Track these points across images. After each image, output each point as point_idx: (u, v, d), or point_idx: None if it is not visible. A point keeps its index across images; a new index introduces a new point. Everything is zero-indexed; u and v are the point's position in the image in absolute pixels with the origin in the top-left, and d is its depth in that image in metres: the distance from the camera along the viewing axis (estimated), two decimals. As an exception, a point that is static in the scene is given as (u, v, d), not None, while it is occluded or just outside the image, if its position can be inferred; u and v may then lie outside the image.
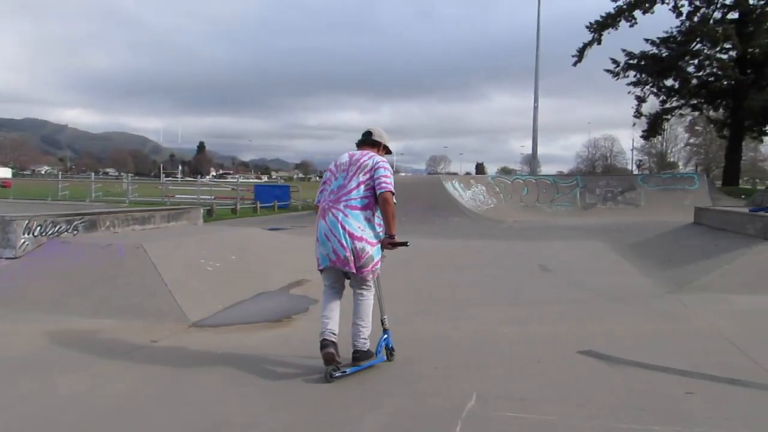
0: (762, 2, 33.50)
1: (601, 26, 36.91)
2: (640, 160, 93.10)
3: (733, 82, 34.38)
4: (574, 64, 38.18)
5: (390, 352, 4.54)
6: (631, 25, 36.41)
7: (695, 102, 38.56)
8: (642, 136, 43.28)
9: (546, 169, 30.55)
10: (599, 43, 37.40)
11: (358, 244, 4.18)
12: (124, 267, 6.75)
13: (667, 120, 40.12)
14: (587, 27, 37.30)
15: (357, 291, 4.43)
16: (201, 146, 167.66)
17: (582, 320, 5.86)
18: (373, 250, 4.30)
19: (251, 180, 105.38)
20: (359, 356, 4.26)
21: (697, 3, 35.84)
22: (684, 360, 4.35)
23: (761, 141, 43.54)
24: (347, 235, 4.14)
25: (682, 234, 10.94)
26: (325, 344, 4.10)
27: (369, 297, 4.44)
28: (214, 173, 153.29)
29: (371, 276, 4.39)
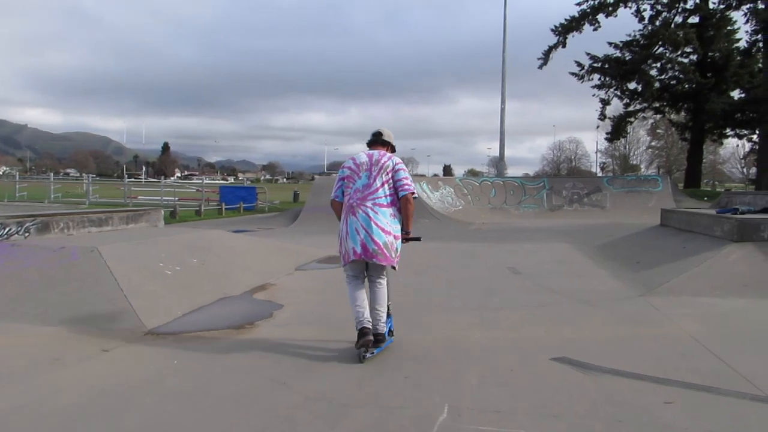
0: (722, 6, 34.29)
1: (565, 29, 37.34)
2: (604, 162, 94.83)
3: (694, 86, 35.15)
4: (540, 67, 38.57)
5: (391, 333, 5.04)
6: (595, 29, 36.92)
7: (657, 105, 39.35)
8: (606, 139, 43.98)
9: (512, 171, 30.79)
10: (564, 46, 37.85)
11: (388, 238, 4.58)
12: (77, 271, 6.39)
13: (631, 122, 40.85)
14: (552, 30, 37.70)
15: (376, 280, 4.78)
16: (165, 147, 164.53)
17: (554, 324, 5.73)
18: (398, 243, 4.72)
19: (217, 181, 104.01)
20: (380, 338, 4.69)
21: (659, 7, 36.56)
22: (659, 366, 4.24)
23: (721, 143, 44.63)
24: (379, 230, 4.54)
25: (650, 236, 10.96)
26: (365, 332, 4.52)
27: (385, 285, 4.83)
28: (179, 174, 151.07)
29: (396, 266, 4.78)
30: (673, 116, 41.52)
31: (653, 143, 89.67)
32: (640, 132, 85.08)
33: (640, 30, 37.21)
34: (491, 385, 3.94)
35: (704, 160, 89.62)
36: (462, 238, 14.79)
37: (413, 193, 4.77)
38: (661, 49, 36.41)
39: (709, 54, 36.19)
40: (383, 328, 4.71)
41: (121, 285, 6.12)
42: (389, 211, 4.66)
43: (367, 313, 4.62)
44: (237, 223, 20.13)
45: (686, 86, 36.45)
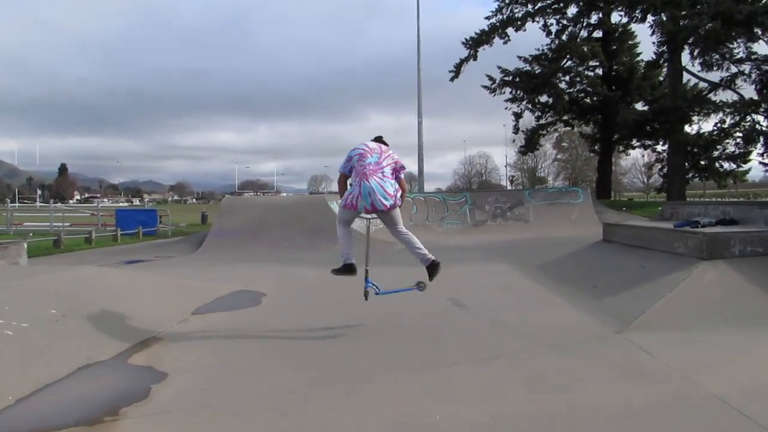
0: (624, 20, 35.26)
1: (476, 42, 37.20)
2: (513, 176, 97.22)
3: (601, 98, 35.87)
4: (452, 80, 38.26)
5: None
6: (505, 42, 36.95)
7: (567, 118, 39.98)
8: (520, 151, 44.32)
9: (426, 187, 29.76)
10: (475, 59, 37.69)
11: (386, 200, 6.05)
12: None
13: (543, 135, 41.24)
14: (463, 43, 37.50)
15: (399, 233, 6.59)
16: (63, 168, 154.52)
17: (533, 387, 4.35)
18: (397, 201, 6.28)
19: (120, 204, 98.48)
20: (436, 264, 6.57)
21: (565, 22, 37.14)
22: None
23: (627, 154, 45.98)
24: (386, 193, 6.03)
25: (595, 253, 9.98)
26: (352, 267, 6.62)
27: (408, 232, 6.66)
28: (78, 197, 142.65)
29: (398, 213, 6.48)
30: (582, 128, 42.27)
31: (559, 156, 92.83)
32: (546, 145, 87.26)
33: (547, 44, 37.72)
34: None
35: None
36: (387, 261, 13.34)
37: (403, 179, 6.53)
38: (569, 62, 36.98)
39: (614, 67, 37.24)
40: (429, 260, 6.58)
41: None
42: (391, 180, 6.19)
43: (353, 252, 6.61)
44: (132, 252, 17.79)
45: (594, 99, 37.20)
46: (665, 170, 38.24)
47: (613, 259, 8.97)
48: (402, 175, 6.44)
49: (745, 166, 34.36)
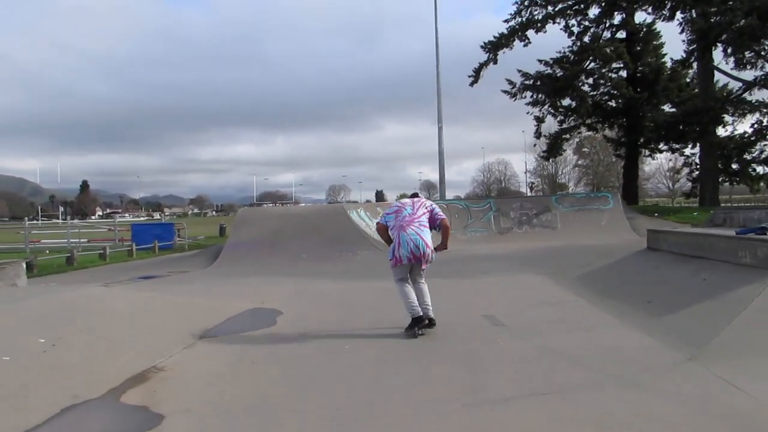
0: (649, 21, 34.22)
1: (495, 46, 36.39)
2: (533, 182, 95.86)
3: (626, 101, 34.73)
4: (471, 85, 37.50)
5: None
6: (525, 45, 36.14)
7: (590, 121, 38.87)
8: (542, 157, 43.30)
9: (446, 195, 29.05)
10: (495, 62, 36.88)
11: (429, 248, 6.63)
12: None
13: (567, 140, 40.15)
14: (482, 47, 36.72)
15: (419, 282, 6.85)
16: (84, 185, 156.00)
17: (602, 434, 3.53)
18: (433, 255, 6.78)
19: (139, 219, 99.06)
20: (433, 322, 6.61)
21: (586, 23, 36.15)
22: None
23: (654, 158, 44.57)
24: (423, 242, 6.56)
25: (641, 263, 9.10)
26: (421, 319, 6.50)
27: (425, 284, 6.91)
28: (100, 213, 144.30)
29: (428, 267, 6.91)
30: (605, 132, 41.05)
31: (580, 162, 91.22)
32: (567, 151, 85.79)
33: (569, 46, 36.73)
34: None
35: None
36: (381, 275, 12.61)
37: (445, 219, 6.99)
38: (592, 64, 35.95)
39: (639, 69, 36.10)
40: (432, 315, 6.60)
41: None
42: (428, 230, 6.69)
43: (419, 304, 6.53)
44: (146, 267, 17.24)
45: (619, 101, 36.09)
46: (695, 174, 37.08)
47: (663, 271, 8.09)
48: (441, 217, 6.92)
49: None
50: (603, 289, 8.49)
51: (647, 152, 38.96)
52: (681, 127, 28.04)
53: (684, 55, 26.47)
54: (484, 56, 36.47)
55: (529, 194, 77.82)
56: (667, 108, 34.96)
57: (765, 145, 26.89)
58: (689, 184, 37.99)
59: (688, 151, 37.04)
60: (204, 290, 10.80)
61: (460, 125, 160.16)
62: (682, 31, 26.73)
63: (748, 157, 28.64)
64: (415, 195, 7.40)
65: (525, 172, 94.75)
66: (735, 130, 27.04)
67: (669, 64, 35.55)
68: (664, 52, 36.83)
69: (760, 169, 31.64)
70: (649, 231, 10.15)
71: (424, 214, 6.77)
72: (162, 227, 26.81)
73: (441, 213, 6.98)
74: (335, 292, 9.91)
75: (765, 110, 24.41)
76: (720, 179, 37.39)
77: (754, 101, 25.17)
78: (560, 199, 22.12)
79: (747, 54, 25.56)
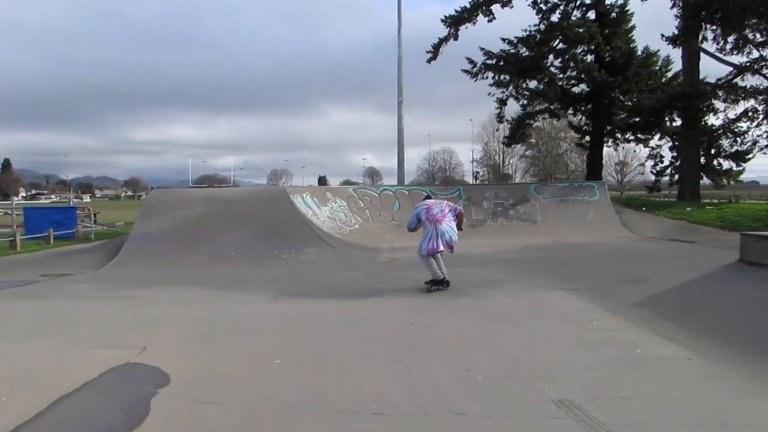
0: (621, 2, 31.68)
1: (456, 21, 33.08)
2: (477, 172, 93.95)
3: (595, 86, 32.10)
4: (429, 61, 34.12)
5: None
6: (490, 20, 33.04)
7: (553, 107, 36.15)
8: (504, 143, 40.49)
9: (387, 182, 25.77)
10: (456, 38, 33.60)
11: (455, 237, 8.46)
12: None
13: (531, 125, 37.35)
14: (442, 21, 33.34)
15: (440, 257, 8.56)
16: (6, 164, 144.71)
17: None
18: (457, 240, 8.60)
19: (61, 201, 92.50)
20: (448, 283, 8.39)
21: (556, 0, 33.33)
22: None
23: (616, 148, 42.28)
24: (453, 233, 8.39)
25: (751, 286, 5.83)
26: (446, 281, 8.39)
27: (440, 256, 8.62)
28: (24, 193, 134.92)
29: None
30: (570, 118, 38.41)
31: (527, 153, 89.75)
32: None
33: (535, 25, 33.81)
34: None
35: (573, 171, 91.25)
36: (377, 287, 9.13)
37: (461, 210, 8.94)
38: (560, 45, 33.14)
39: (609, 52, 33.55)
40: (447, 277, 8.46)
41: None
42: (454, 224, 8.52)
43: (439, 271, 8.39)
44: (25, 265, 13.00)
45: (590, 86, 33.48)
46: (659, 167, 35.03)
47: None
48: (459, 209, 8.85)
49: (743, 165, 31.46)
50: (714, 333, 5.16)
51: (611, 142, 36.53)
52: (668, 111, 25.42)
53: (676, 33, 23.75)
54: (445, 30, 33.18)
55: (475, 182, 75.52)
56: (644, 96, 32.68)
57: (759, 135, 24.54)
58: (653, 176, 36.02)
59: (654, 142, 35.10)
60: (58, 318, 6.94)
61: (407, 113, 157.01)
62: (673, 6, 24.02)
63: (728, 147, 26.36)
64: (429, 196, 9.85)
65: (472, 161, 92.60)
66: (727, 117, 24.63)
67: (640, 49, 33.33)
68: (634, 37, 34.51)
69: (726, 164, 29.77)
70: (743, 236, 6.94)
71: (450, 212, 8.56)
72: (62, 212, 22.12)
73: (457, 206, 8.90)
74: (272, 327, 6.26)
75: (761, 96, 21.96)
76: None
77: (748, 87, 22.73)
78: (540, 188, 19.05)
79: (748, 33, 23.09)
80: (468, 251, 13.69)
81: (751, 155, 33.00)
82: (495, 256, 12.75)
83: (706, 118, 25.56)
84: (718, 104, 24.39)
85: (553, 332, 5.61)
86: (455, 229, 8.42)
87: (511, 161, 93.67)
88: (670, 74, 33.25)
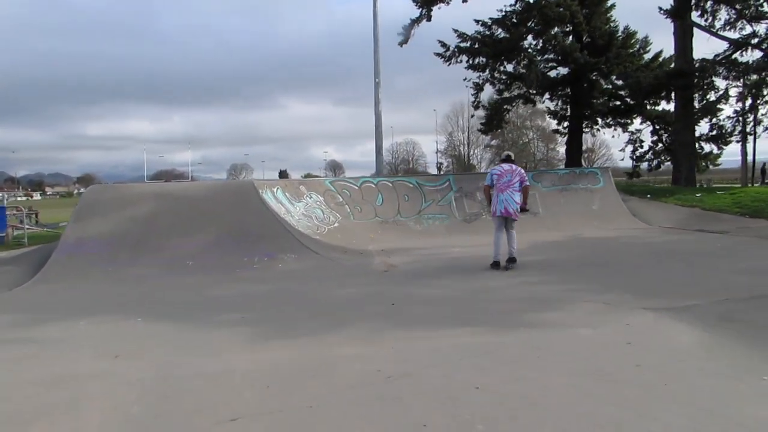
0: (600, -20, 30.04)
1: (428, 0, 31.00)
2: (441, 163, 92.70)
3: (579, 68, 30.35)
4: (401, 44, 31.86)
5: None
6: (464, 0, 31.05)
7: (529, 93, 34.27)
8: (480, 131, 38.47)
9: (351, 175, 23.40)
10: (429, 19, 31.44)
11: (513, 207, 9.22)
12: None
13: (509, 111, 35.44)
14: (413, 1, 31.24)
15: (510, 230, 9.40)
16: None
17: None
18: (519, 212, 9.40)
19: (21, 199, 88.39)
20: (515, 260, 9.16)
21: (533, -23, 31.39)
22: None
23: (594, 134, 40.72)
24: (514, 202, 9.22)
25: None
26: (498, 263, 9.14)
27: (514, 231, 9.47)
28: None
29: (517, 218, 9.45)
30: (547, 104, 36.56)
31: (492, 142, 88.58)
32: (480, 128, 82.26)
33: (512, 4, 31.86)
34: None
35: (540, 160, 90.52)
36: (383, 306, 6.92)
37: (528, 184, 9.68)
38: (539, 25, 31.23)
39: (589, 33, 31.84)
40: (516, 254, 9.23)
41: None
42: (518, 194, 9.32)
43: (501, 251, 9.21)
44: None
45: (568, 69, 31.76)
46: (639, 152, 33.74)
47: None
48: (526, 183, 9.60)
49: (724, 148, 30.44)
50: None
51: (590, 127, 34.98)
52: (665, 90, 23.74)
53: (673, 5, 22.09)
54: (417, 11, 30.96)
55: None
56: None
57: (764, 114, 23.10)
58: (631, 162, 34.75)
59: (634, 126, 33.79)
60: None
61: (364, 106, 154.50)
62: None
63: (730, 128, 24.92)
64: (509, 159, 10.03)
65: (436, 152, 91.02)
66: (729, 96, 23.11)
67: (620, 30, 31.78)
68: (614, 17, 32.90)
69: (707, 147, 28.54)
70: None
71: (518, 182, 9.37)
72: (-12, 212, 19.18)
73: (527, 179, 9.66)
74: (255, 402, 3.94)
75: (765, 73, 20.40)
76: (662, 158, 34.28)
77: (750, 62, 21.15)
78: (538, 176, 17.01)
79: (729, 11, 21.62)
80: (471, 252, 11.62)
81: (731, 138, 31.95)
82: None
83: (708, 97, 23.99)
84: (719, 82, 22.87)
85: (728, 406, 3.45)
86: (517, 201, 9.30)
87: (476, 151, 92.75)
88: (648, 56, 31.97)
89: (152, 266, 9.73)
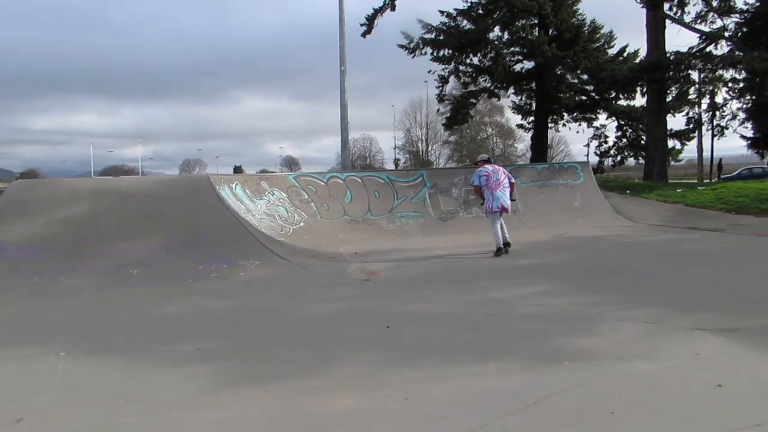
0: (568, -28, 29.41)
1: (394, -11, 29.77)
2: (398, 159, 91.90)
3: (545, 61, 29.63)
4: (363, 35, 30.58)
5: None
6: (431, -11, 29.92)
7: (493, 87, 33.42)
8: (444, 125, 37.50)
9: (307, 171, 21.92)
10: (393, 8, 30.23)
11: (509, 201, 10.58)
12: None
13: (474, 105, 34.54)
14: (377, -11, 29.99)
15: (502, 221, 10.53)
16: None
17: None
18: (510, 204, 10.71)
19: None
20: (509, 244, 10.40)
21: (500, -34, 30.47)
22: None
23: (558, 129, 40.24)
24: (507, 198, 10.52)
25: None
26: (506, 246, 10.31)
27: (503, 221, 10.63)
28: None
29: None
30: (512, 98, 35.74)
31: (450, 138, 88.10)
32: (438, 126, 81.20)
33: (477, -4, 30.90)
34: None
35: (498, 156, 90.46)
36: (375, 329, 5.67)
37: (514, 181, 11.04)
38: (505, 17, 30.37)
39: (556, 25, 31.19)
40: (509, 240, 10.46)
41: None
42: (508, 191, 10.59)
43: (504, 238, 10.30)
44: None
45: (534, 63, 31.04)
46: (604, 147, 33.52)
47: None
48: (512, 180, 10.94)
49: (687, 144, 30.47)
50: None
51: (555, 122, 34.43)
52: (640, 83, 23.11)
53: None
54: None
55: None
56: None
57: (739, 108, 22.71)
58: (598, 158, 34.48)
59: (599, 122, 33.55)
60: None
61: (319, 103, 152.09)
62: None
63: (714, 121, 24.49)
64: (489, 159, 11.56)
65: (394, 148, 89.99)
66: (704, 90, 22.67)
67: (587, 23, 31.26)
68: (580, 10, 32.33)
69: (671, 143, 28.34)
70: None
71: (505, 179, 10.67)
72: None
73: (512, 176, 11.04)
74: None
75: (740, 66, 19.89)
76: (625, 154, 34.08)
77: (725, 55, 20.66)
78: (516, 171, 15.95)
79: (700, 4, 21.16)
80: (455, 254, 10.47)
81: (694, 135, 31.87)
82: (495, 262, 9.53)
83: (686, 89, 23.54)
84: (694, 75, 22.41)
85: None
86: (508, 197, 10.57)
87: (434, 147, 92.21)
88: (612, 51, 31.57)
89: (88, 277, 8.21)
